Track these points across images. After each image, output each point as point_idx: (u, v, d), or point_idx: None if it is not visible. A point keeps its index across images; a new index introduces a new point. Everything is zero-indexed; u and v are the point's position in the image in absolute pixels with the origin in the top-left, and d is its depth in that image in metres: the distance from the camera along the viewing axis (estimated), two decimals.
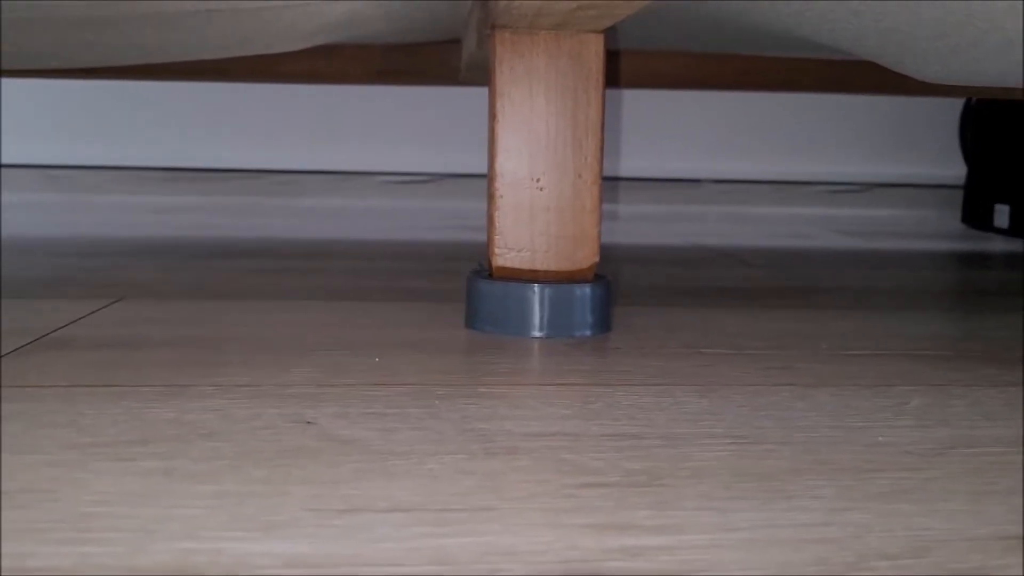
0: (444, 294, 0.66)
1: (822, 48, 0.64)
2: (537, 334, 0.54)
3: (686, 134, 1.31)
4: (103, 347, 0.47)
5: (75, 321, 0.53)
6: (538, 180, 0.55)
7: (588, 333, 0.55)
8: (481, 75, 0.87)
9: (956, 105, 1.37)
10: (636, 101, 1.24)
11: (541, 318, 0.54)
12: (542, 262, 0.55)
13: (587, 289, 0.54)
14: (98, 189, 1.25)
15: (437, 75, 0.95)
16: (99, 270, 0.74)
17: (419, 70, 0.95)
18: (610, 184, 1.26)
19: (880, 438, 0.36)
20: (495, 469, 0.31)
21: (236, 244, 0.92)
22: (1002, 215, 1.28)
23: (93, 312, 0.56)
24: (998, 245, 1.19)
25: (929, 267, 0.96)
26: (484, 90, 0.90)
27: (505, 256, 0.55)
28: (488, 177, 0.57)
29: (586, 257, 0.56)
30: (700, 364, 0.47)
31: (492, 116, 0.55)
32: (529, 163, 0.55)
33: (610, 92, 0.57)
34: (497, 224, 0.55)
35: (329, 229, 1.08)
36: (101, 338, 0.50)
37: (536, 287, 0.54)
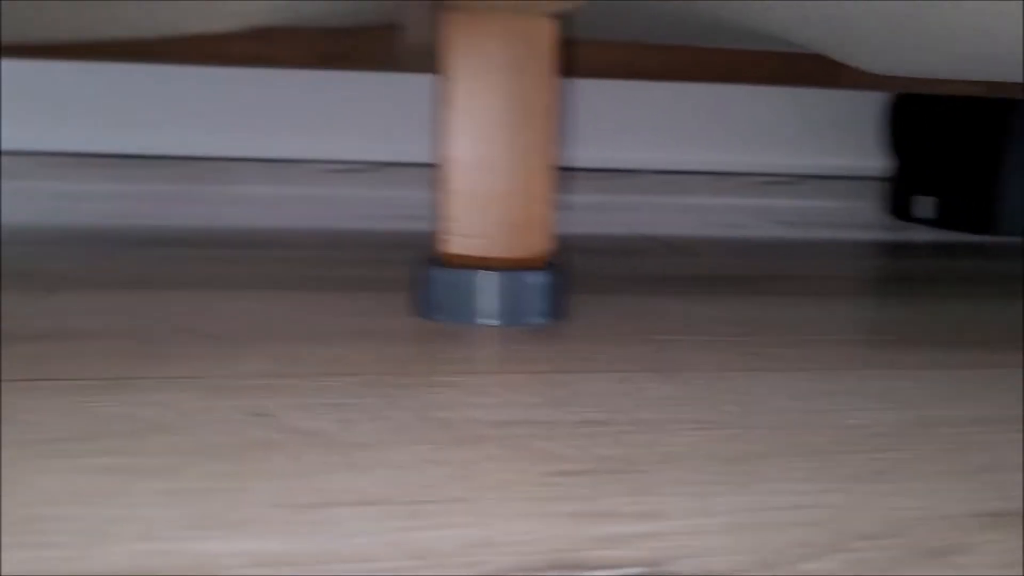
0: (391, 283, 0.65)
1: (773, 40, 0.64)
2: (490, 322, 0.53)
3: (624, 124, 1.31)
4: (39, 339, 0.45)
5: (4, 313, 0.50)
6: (490, 166, 0.54)
7: (542, 321, 0.54)
8: (424, 61, 0.85)
9: (884, 98, 1.40)
10: (575, 91, 1.23)
11: (494, 306, 0.53)
12: (494, 249, 0.54)
13: (540, 276, 0.54)
14: (22, 175, 1.20)
15: (381, 61, 0.93)
16: (26, 259, 0.70)
17: (362, 55, 0.93)
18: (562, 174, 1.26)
19: (848, 421, 0.36)
20: (465, 458, 0.30)
21: (170, 232, 0.89)
22: (926, 207, 1.31)
23: (23, 304, 0.53)
24: (924, 236, 1.22)
25: (861, 256, 0.98)
26: (426, 77, 0.89)
27: (456, 243, 0.54)
28: (438, 162, 0.56)
29: (539, 244, 0.55)
30: (658, 351, 0.47)
31: (443, 101, 0.54)
32: (481, 148, 0.54)
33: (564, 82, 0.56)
34: (448, 210, 0.54)
35: (266, 217, 1.05)
36: (36, 330, 0.47)
37: (488, 274, 0.53)
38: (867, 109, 1.43)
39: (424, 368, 0.42)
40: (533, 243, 0.55)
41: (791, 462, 0.31)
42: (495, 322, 0.53)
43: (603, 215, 1.24)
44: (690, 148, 1.37)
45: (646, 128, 1.37)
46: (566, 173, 1.35)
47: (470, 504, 0.27)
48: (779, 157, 1.40)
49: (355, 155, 1.25)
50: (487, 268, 0.53)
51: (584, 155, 1.30)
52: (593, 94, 1.32)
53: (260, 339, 0.47)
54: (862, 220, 1.35)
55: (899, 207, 1.36)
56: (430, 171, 1.29)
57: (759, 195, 1.41)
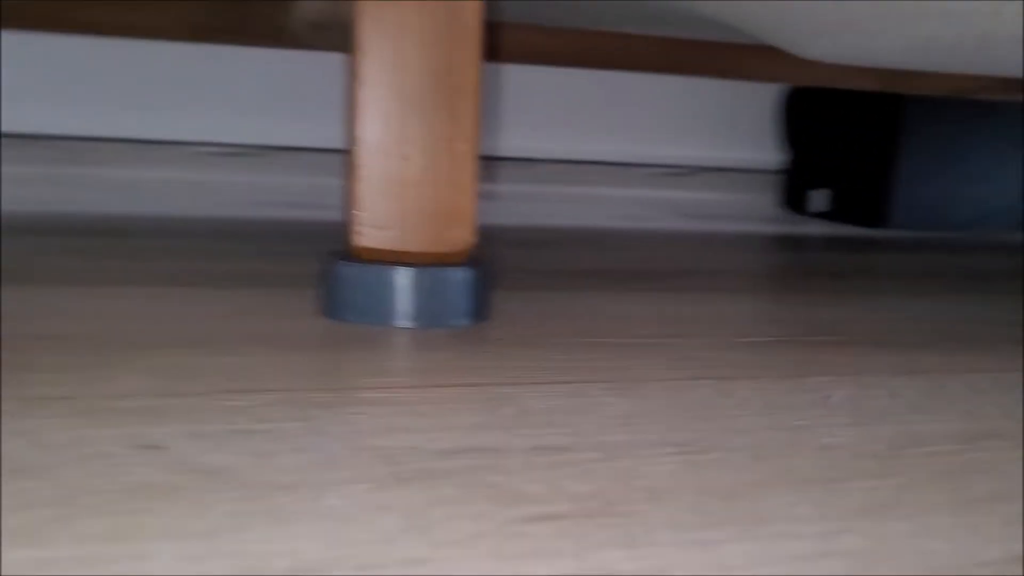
0: (289, 278, 0.58)
1: (704, 23, 0.61)
2: (407, 324, 0.47)
3: (521, 112, 1.27)
4: None
5: None
6: (406, 150, 0.48)
7: (464, 323, 0.49)
8: (319, 36, 0.78)
9: (779, 91, 1.40)
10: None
11: (412, 306, 0.48)
12: (411, 242, 0.49)
13: (463, 273, 0.48)
14: None
15: (265, 35, 0.86)
16: None
17: (243, 28, 0.86)
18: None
19: (825, 439, 0.32)
20: (414, 502, 0.25)
21: (29, 220, 0.79)
22: (821, 200, 1.32)
23: None
24: (822, 229, 1.22)
25: (764, 250, 0.96)
26: (317, 55, 0.82)
27: (369, 236, 0.48)
28: (348, 145, 0.49)
29: (461, 237, 0.49)
30: (601, 356, 0.42)
31: (354, 76, 0.47)
32: (397, 130, 0.48)
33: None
34: (359, 199, 0.48)
35: (135, 203, 0.96)
36: None
37: (405, 270, 0.47)
38: (764, 101, 1.43)
39: (344, 382, 0.36)
40: (454, 236, 0.49)
41: (787, 496, 0.27)
42: (413, 324, 0.47)
43: (501, 205, 1.20)
44: (587, 138, 1.33)
45: (543, 116, 1.33)
46: (489, 162, 1.30)
47: (432, 564, 0.21)
48: (676, 148, 1.38)
49: (235, 137, 1.16)
50: (403, 263, 0.48)
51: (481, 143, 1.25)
52: (486, 79, 1.27)
53: (143, 347, 0.40)
54: (757, 213, 1.35)
55: (794, 200, 1.36)
56: (320, 157, 1.21)
57: (656, 186, 1.39)
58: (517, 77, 1.27)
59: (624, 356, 0.43)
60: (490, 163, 1.29)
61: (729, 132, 1.41)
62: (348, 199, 0.50)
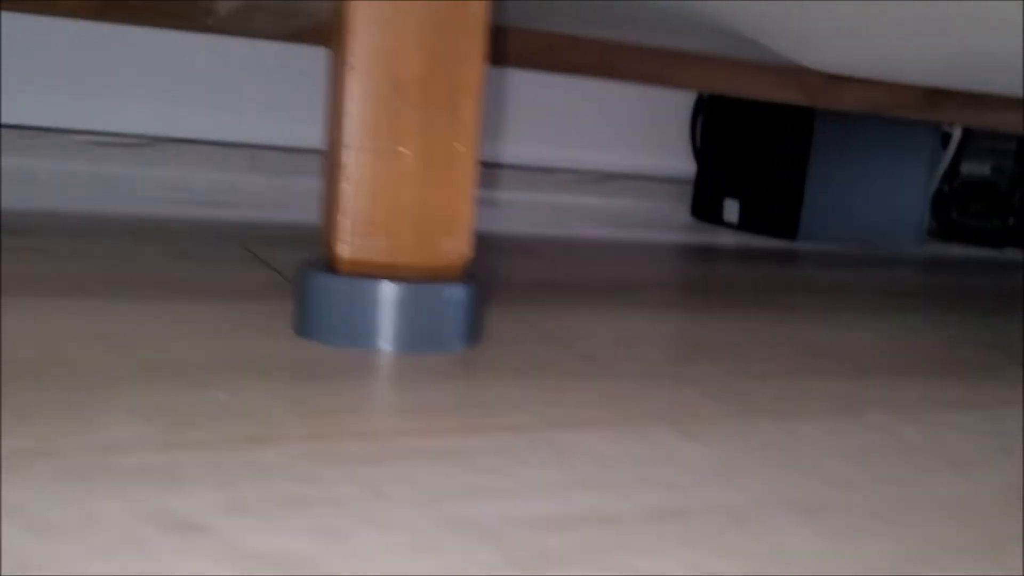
0: (241, 288, 0.52)
1: (702, 27, 0.57)
2: (393, 347, 0.42)
3: None
4: None
5: None
6: (400, 147, 0.42)
7: (458, 346, 0.43)
8: (254, 20, 0.71)
9: (691, 99, 1.39)
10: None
11: (401, 327, 0.42)
12: (401, 254, 0.43)
13: (459, 291, 0.43)
14: None
15: (182, 16, 0.77)
16: None
17: (158, 8, 0.77)
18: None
19: (942, 490, 0.29)
20: None
21: None
22: (731, 210, 1.32)
23: None
24: (734, 239, 1.22)
25: (698, 260, 0.95)
26: (230, 41, 0.74)
27: (354, 245, 0.42)
28: (332, 141, 0.43)
29: (456, 249, 0.44)
30: (632, 388, 0.38)
31: (342, 62, 0.41)
32: (390, 124, 0.42)
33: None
34: (342, 202, 0.42)
35: (19, 197, 0.85)
36: None
37: (396, 286, 0.42)
38: (677, 109, 1.42)
39: (373, 424, 0.31)
40: (449, 247, 0.44)
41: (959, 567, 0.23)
42: (401, 347, 0.42)
43: None
44: (500, 140, 1.29)
45: None
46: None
47: None
48: (588, 153, 1.36)
49: (128, 127, 1.06)
50: (392, 278, 0.42)
51: None
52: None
53: (116, 377, 0.33)
54: (668, 221, 1.34)
55: (703, 209, 1.36)
56: (229, 151, 1.12)
57: (565, 192, 1.36)
58: None
59: (655, 387, 0.39)
60: None
61: (643, 140, 1.40)
62: (327, 202, 0.43)
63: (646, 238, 1.09)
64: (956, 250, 1.31)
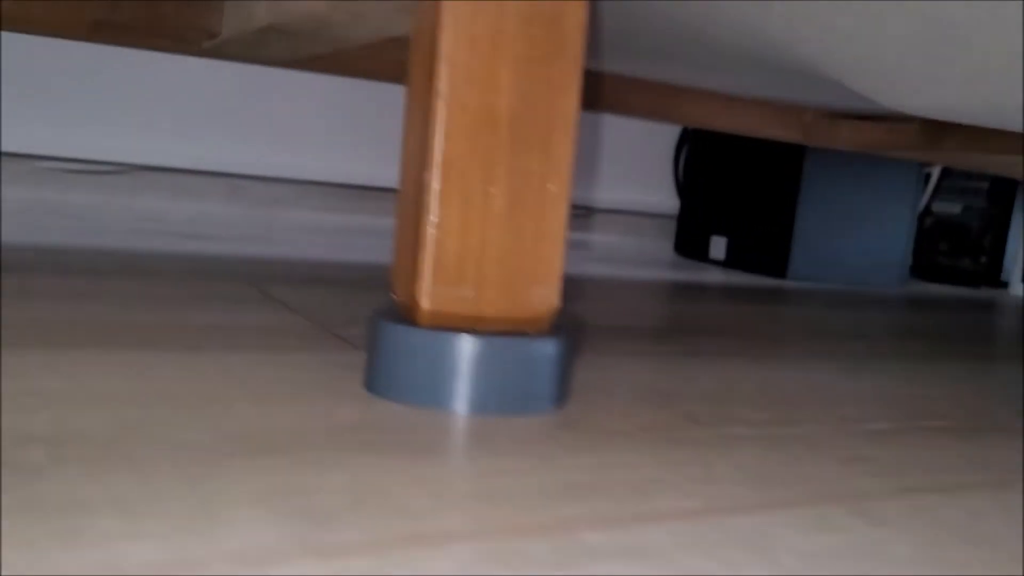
0: (267, 335, 0.47)
1: (776, 63, 0.55)
2: (480, 409, 0.38)
3: (379, 138, 1.17)
4: None
5: None
6: (491, 186, 0.38)
7: (549, 407, 0.39)
8: (269, 45, 0.66)
9: (676, 133, 1.38)
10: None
11: (491, 386, 0.38)
12: (488, 304, 0.39)
13: (551, 345, 0.39)
14: None
15: (179, 38, 0.72)
16: None
17: (153, 29, 0.72)
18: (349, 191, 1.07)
19: None
20: None
21: None
22: (718, 247, 1.31)
23: None
24: (735, 278, 1.20)
25: (710, 300, 0.92)
26: (206, 62, 0.70)
27: (436, 295, 0.38)
28: (410, 180, 0.39)
29: (545, 299, 0.40)
30: (751, 456, 0.35)
31: (429, 91, 0.37)
32: (482, 161, 0.38)
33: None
34: (427, 249, 0.38)
35: None
36: None
37: (486, 340, 0.38)
38: (661, 143, 1.40)
39: (548, 511, 0.27)
40: (538, 298, 0.40)
41: None
42: (488, 409, 0.38)
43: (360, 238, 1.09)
44: None
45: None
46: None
47: None
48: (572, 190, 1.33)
49: (100, 154, 1.00)
50: (479, 331, 0.38)
51: (332, 169, 1.14)
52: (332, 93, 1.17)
53: (201, 454, 0.28)
54: (653, 257, 1.32)
55: (687, 246, 1.34)
56: (209, 181, 1.06)
57: None
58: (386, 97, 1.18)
59: (783, 453, 0.35)
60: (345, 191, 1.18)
61: (626, 174, 1.37)
62: (403, 246, 0.39)
63: (635, 275, 1.06)
64: (936, 289, 1.31)
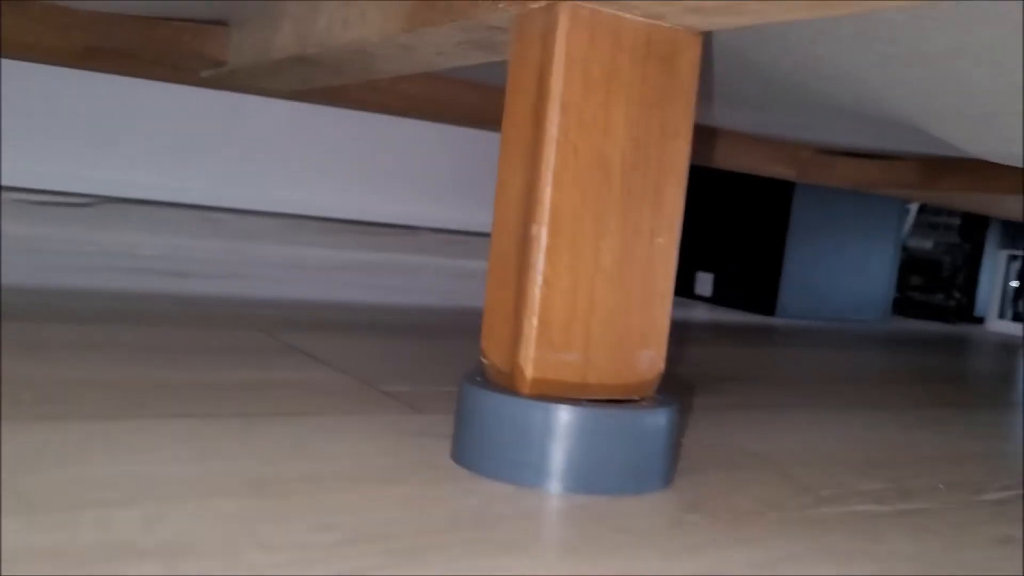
0: (311, 393, 0.42)
1: (860, 113, 0.52)
2: (586, 489, 0.34)
3: (308, 159, 1.13)
4: None
5: None
6: (602, 240, 0.35)
7: (662, 485, 0.35)
8: (284, 76, 0.61)
9: None
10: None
11: (603, 462, 0.34)
12: (594, 370, 0.35)
13: (664, 415, 0.35)
14: None
15: (176, 66, 0.67)
16: None
17: (149, 56, 0.66)
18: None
19: None
20: None
21: None
22: (704, 283, 1.29)
23: None
24: (723, 315, 1.18)
25: (754, 343, 0.89)
26: (177, 88, 0.66)
27: (541, 360, 0.34)
28: (508, 231, 0.35)
29: (653, 363, 0.37)
30: (893, 534, 0.31)
31: (540, 134, 0.34)
32: (596, 216, 0.34)
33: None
34: (533, 310, 0.34)
35: None
36: None
37: (595, 411, 0.34)
38: None
39: None
40: (645, 363, 0.36)
41: None
42: (607, 488, 0.34)
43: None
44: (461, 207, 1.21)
45: (323, 167, 1.20)
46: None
47: None
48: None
49: (65, 184, 0.93)
50: (585, 400, 0.34)
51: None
52: (255, 117, 1.13)
53: (329, 547, 0.23)
54: None
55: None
56: (173, 211, 1.00)
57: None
58: (306, 120, 1.14)
59: (937, 534, 0.32)
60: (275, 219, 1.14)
61: None
62: (501, 306, 0.35)
63: None
64: (917, 325, 1.31)
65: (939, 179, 1.01)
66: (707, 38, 0.41)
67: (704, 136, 0.96)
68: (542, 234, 0.34)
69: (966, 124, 0.45)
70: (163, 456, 0.32)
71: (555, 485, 0.33)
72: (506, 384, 0.35)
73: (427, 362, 0.56)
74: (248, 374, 0.46)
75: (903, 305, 1.46)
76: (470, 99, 0.80)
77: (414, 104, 0.81)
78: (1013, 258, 1.34)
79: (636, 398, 0.36)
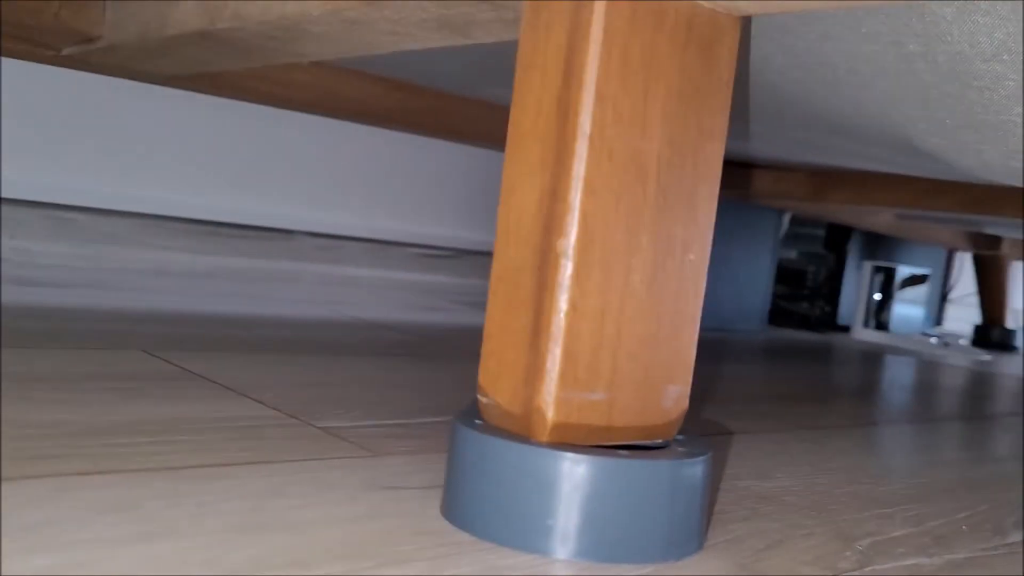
0: (238, 432, 0.35)
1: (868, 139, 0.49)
2: (621, 557, 0.28)
3: (271, 175, 1.03)
4: None
5: None
6: (633, 257, 0.29)
7: (697, 548, 0.30)
8: (183, 58, 0.52)
9: None
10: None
11: (634, 524, 0.28)
12: (619, 411, 0.30)
13: (701, 464, 0.30)
14: None
15: (34, 41, 0.56)
16: None
17: (4, 28, 0.55)
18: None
19: None
20: None
21: None
22: None
23: None
24: None
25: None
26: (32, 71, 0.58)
27: (565, 401, 0.28)
28: (521, 245, 0.29)
29: (679, 400, 0.31)
30: None
31: (568, 129, 0.28)
32: (629, 227, 0.29)
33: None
34: (556, 342, 0.28)
35: None
36: None
37: (643, 464, 0.28)
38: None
39: None
40: (672, 399, 0.31)
41: None
42: (639, 556, 0.28)
43: (256, 285, 0.96)
44: (341, 211, 1.14)
45: (298, 184, 1.11)
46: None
47: None
48: (437, 229, 1.24)
49: None
50: (618, 448, 0.29)
51: (219, 205, 1.00)
52: (227, 124, 1.04)
53: None
54: None
55: None
56: (20, 209, 0.87)
57: (417, 269, 1.22)
58: (269, 128, 1.05)
59: None
60: (222, 229, 1.05)
61: (493, 212, 1.29)
62: (511, 332, 0.29)
63: None
64: (793, 335, 1.33)
65: (828, 192, 1.01)
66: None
67: None
68: (569, 249, 0.28)
69: (966, 136, 0.42)
70: (86, 536, 0.24)
71: (587, 553, 0.27)
72: (518, 429, 0.29)
73: (349, 388, 0.49)
74: (151, 410, 0.38)
75: (772, 314, 1.48)
76: (373, 92, 0.73)
77: (308, 96, 0.73)
78: (877, 269, 1.39)
79: (662, 442, 0.31)
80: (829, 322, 1.47)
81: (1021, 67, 0.36)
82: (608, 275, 0.29)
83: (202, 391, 0.43)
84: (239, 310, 0.74)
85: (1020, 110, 0.39)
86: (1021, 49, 0.34)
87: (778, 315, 1.47)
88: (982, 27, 0.33)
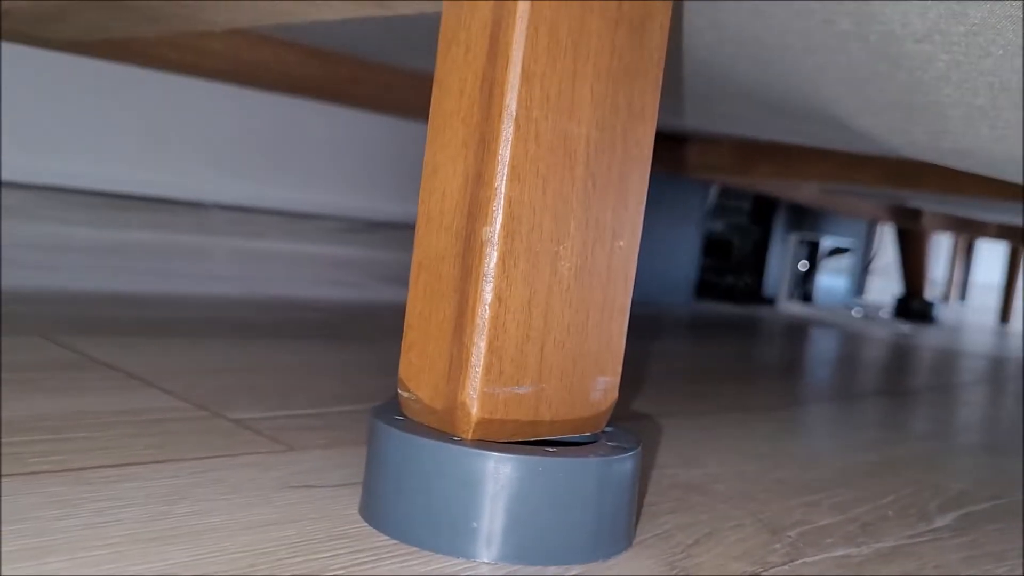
0: (144, 426, 0.33)
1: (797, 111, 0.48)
2: (546, 559, 0.27)
3: (175, 138, 0.98)
4: None
5: None
6: (560, 244, 0.28)
7: (627, 546, 0.29)
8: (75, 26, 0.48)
9: None
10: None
11: (566, 527, 0.27)
12: (546, 404, 0.28)
13: (631, 459, 0.29)
14: None
15: None
16: None
17: None
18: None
19: None
20: None
21: None
22: None
23: None
24: None
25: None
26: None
27: (490, 397, 0.27)
28: (443, 233, 0.28)
29: (608, 391, 0.30)
30: None
31: (493, 111, 0.26)
32: (557, 213, 0.27)
33: None
34: (481, 333, 0.27)
35: None
36: None
37: (573, 461, 0.27)
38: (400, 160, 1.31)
39: None
40: (601, 391, 0.30)
41: None
42: (574, 558, 0.27)
43: (155, 262, 0.93)
44: (257, 181, 1.10)
45: (203, 147, 1.07)
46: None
47: None
48: (361, 200, 1.21)
49: None
50: (547, 445, 0.28)
51: (124, 176, 0.96)
52: (134, 91, 1.00)
53: None
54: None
55: None
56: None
57: (328, 242, 1.20)
58: (172, 95, 1.01)
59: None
60: (129, 202, 1.00)
61: (412, 184, 1.27)
62: (433, 324, 0.28)
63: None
64: (719, 308, 1.34)
65: (754, 165, 1.02)
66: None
67: None
68: (495, 237, 0.26)
69: (895, 116, 0.42)
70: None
71: (513, 556, 0.26)
72: (440, 425, 0.28)
73: (261, 374, 0.47)
74: (48, 403, 0.36)
75: (697, 286, 1.49)
76: (289, 60, 0.70)
77: (223, 65, 0.69)
78: (802, 242, 1.40)
79: (590, 435, 0.30)
80: (755, 294, 1.48)
81: (951, 48, 0.35)
82: (535, 264, 0.27)
83: (105, 381, 0.40)
84: (145, 288, 0.70)
85: (949, 91, 0.39)
86: (951, 30, 0.34)
87: (704, 287, 1.48)
88: (914, 7, 0.33)
